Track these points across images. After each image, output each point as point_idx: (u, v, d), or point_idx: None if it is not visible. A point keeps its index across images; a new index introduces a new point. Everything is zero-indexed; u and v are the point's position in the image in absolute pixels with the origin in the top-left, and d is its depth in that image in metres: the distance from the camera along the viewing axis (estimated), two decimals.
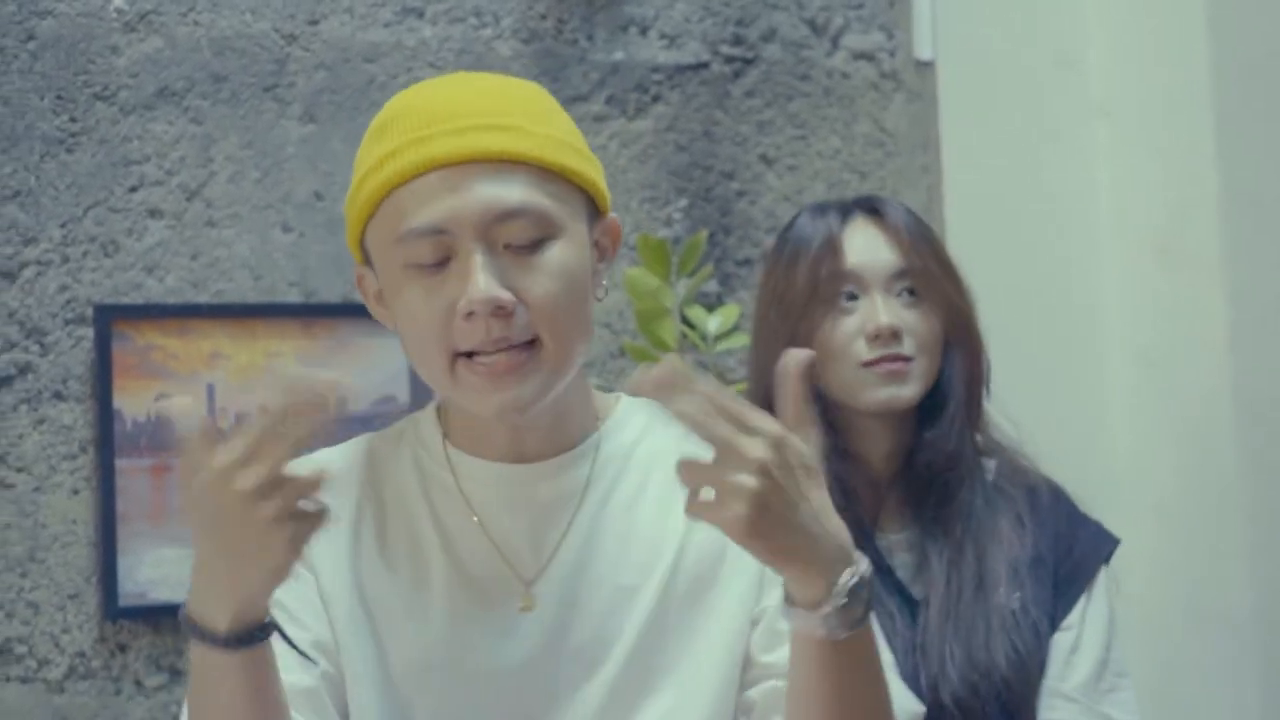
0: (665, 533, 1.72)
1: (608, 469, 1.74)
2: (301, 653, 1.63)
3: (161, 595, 2.75)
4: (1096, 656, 2.36)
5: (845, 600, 1.53)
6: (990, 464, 2.42)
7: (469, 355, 1.64)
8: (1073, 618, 2.36)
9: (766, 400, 2.35)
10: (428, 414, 1.79)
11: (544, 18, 3.05)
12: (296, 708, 1.65)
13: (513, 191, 1.64)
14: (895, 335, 2.34)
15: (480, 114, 1.66)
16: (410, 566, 1.72)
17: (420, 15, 2.99)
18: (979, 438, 2.43)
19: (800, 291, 2.37)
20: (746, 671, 1.71)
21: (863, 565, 1.54)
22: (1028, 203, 3.31)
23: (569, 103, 2.95)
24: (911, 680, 2.26)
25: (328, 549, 1.72)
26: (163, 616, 2.76)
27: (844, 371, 2.35)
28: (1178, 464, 3.20)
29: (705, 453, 1.52)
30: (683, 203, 3.10)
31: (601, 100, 3.05)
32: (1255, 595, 3.09)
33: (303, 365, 1.52)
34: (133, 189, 2.82)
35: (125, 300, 2.80)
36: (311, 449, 1.54)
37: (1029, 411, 3.17)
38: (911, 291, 2.38)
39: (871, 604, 1.55)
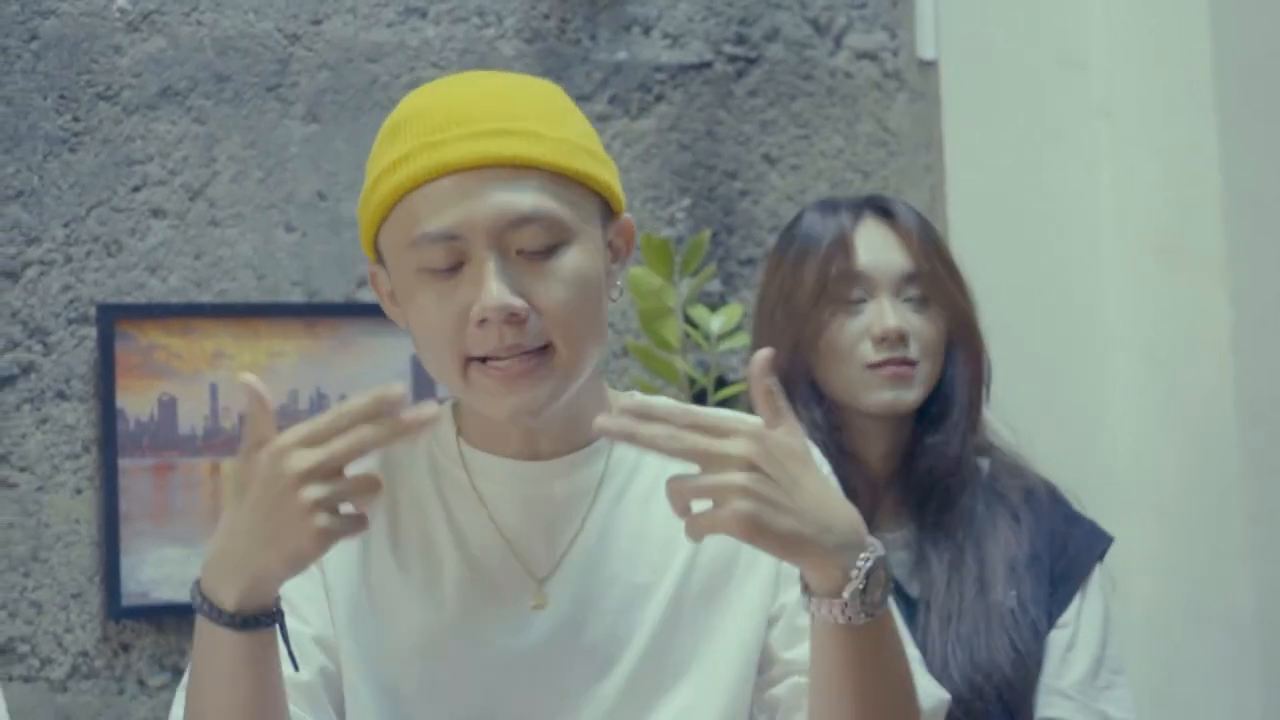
0: (679, 531, 1.72)
1: (621, 467, 1.75)
2: (290, 653, 1.62)
3: (164, 595, 2.75)
4: (1093, 654, 2.37)
5: (863, 584, 1.54)
6: (984, 462, 2.43)
7: (482, 359, 1.64)
8: (1068, 615, 2.37)
9: None
10: (443, 412, 1.79)
11: (547, 17, 3.05)
12: (293, 701, 1.66)
13: (525, 197, 1.64)
14: (902, 339, 2.35)
15: (493, 118, 1.65)
16: (422, 563, 1.73)
17: (423, 15, 2.99)
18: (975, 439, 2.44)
19: (809, 290, 2.37)
20: (769, 669, 1.71)
21: (876, 548, 1.55)
22: (1030, 202, 3.31)
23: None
24: None
25: (338, 546, 1.72)
26: (166, 616, 2.76)
27: (848, 372, 2.35)
28: (1179, 464, 3.20)
29: (692, 469, 1.53)
30: (686, 202, 3.10)
31: (604, 100, 3.05)
32: (1256, 595, 3.09)
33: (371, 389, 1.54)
34: (136, 189, 2.82)
35: (128, 300, 2.80)
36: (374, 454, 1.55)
37: (1030, 411, 3.18)
38: (919, 295, 2.38)
39: (889, 586, 1.56)
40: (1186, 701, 3.16)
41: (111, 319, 2.77)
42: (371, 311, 2.89)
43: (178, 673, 2.77)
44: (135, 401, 2.77)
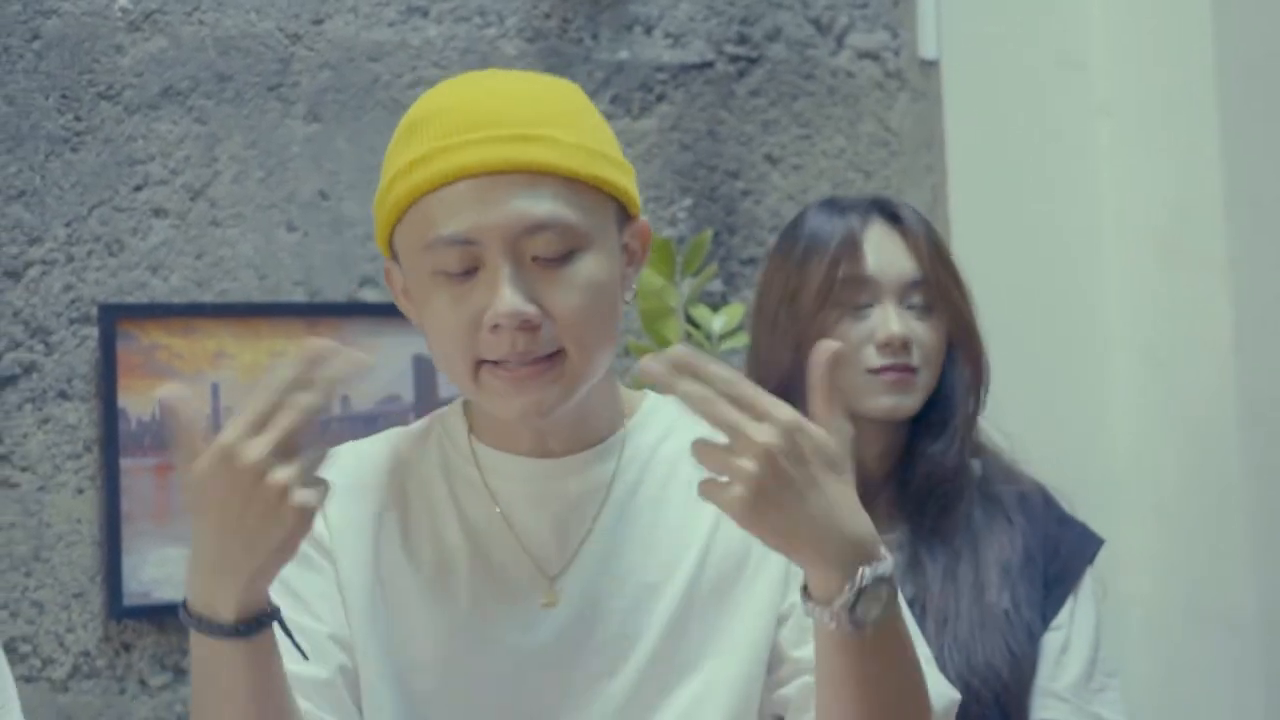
0: (690, 529, 1.72)
1: (632, 465, 1.74)
2: (300, 649, 1.62)
3: (166, 594, 2.75)
4: (1086, 656, 2.37)
5: (853, 598, 1.52)
6: (975, 464, 2.43)
7: (494, 362, 1.65)
8: (1061, 618, 2.37)
9: None
10: (454, 409, 1.79)
11: (548, 17, 3.05)
12: (312, 700, 1.66)
13: (541, 204, 1.64)
14: (905, 346, 2.35)
15: (511, 123, 1.65)
16: (434, 561, 1.73)
17: (425, 14, 2.98)
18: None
19: (814, 291, 2.36)
20: (778, 668, 1.71)
21: (882, 565, 1.53)
22: (1031, 202, 3.31)
23: None
24: None
25: (349, 542, 1.72)
26: (167, 616, 2.76)
27: (849, 376, 2.35)
28: (1179, 464, 3.20)
29: (722, 438, 1.52)
30: (687, 202, 3.10)
31: (606, 99, 3.05)
32: (1257, 596, 3.09)
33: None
34: (137, 188, 2.82)
35: (130, 299, 2.80)
36: (323, 417, 1.52)
37: (1031, 411, 3.18)
38: (923, 302, 2.38)
39: (893, 603, 1.54)
40: (1187, 702, 3.16)
41: (113, 319, 2.77)
42: (373, 311, 2.89)
43: (179, 672, 2.78)
44: (137, 401, 2.77)
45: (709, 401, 1.50)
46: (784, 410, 1.52)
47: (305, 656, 1.64)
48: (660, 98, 3.11)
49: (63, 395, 2.76)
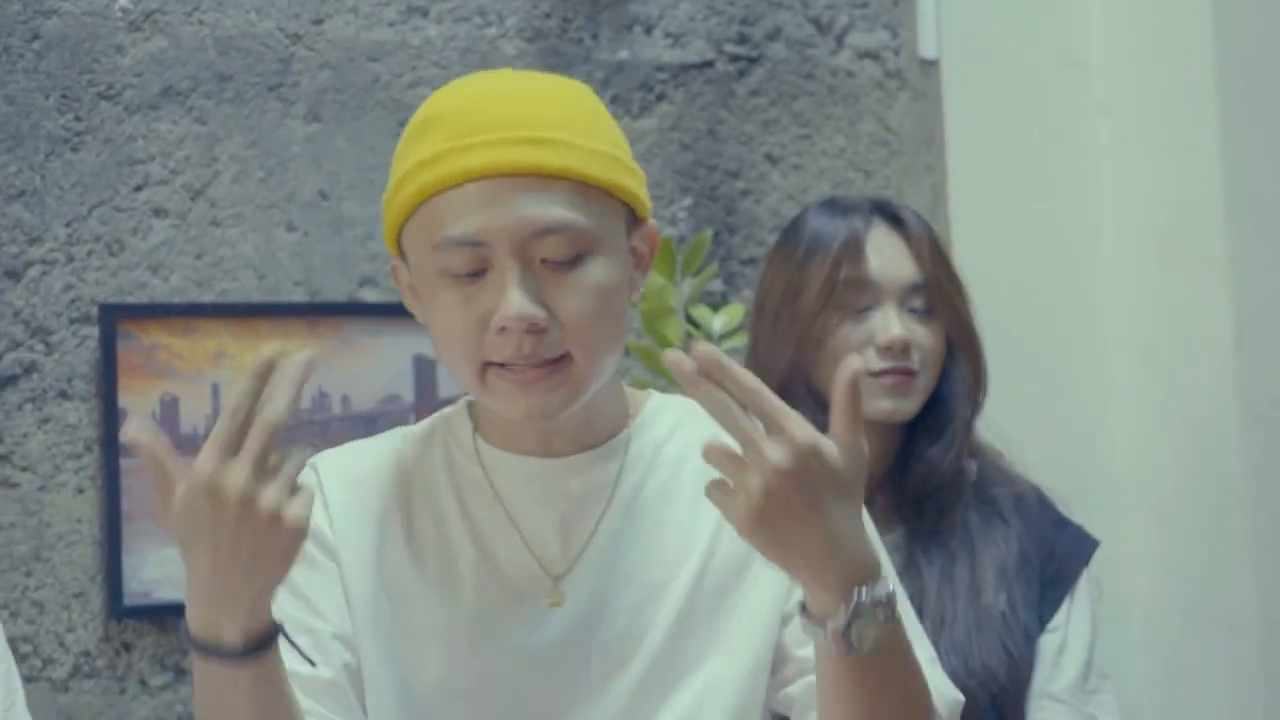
0: (695, 529, 1.72)
1: (637, 465, 1.75)
2: (301, 653, 1.62)
3: (166, 594, 2.75)
4: (1082, 658, 2.37)
5: (853, 619, 1.52)
6: (971, 466, 2.43)
7: (500, 364, 1.65)
8: (1058, 619, 2.37)
9: None
10: (459, 409, 1.79)
11: (548, 16, 3.05)
12: (317, 700, 1.66)
13: (551, 208, 1.63)
14: (905, 349, 2.35)
15: (523, 125, 1.65)
16: (439, 560, 1.73)
17: (425, 14, 2.98)
18: None
19: (816, 292, 2.36)
20: (783, 667, 1.71)
21: (880, 588, 1.53)
22: (1031, 201, 3.31)
23: None
24: None
25: (353, 541, 1.73)
26: (168, 616, 2.76)
27: None
28: (1180, 464, 3.20)
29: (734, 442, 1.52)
30: (687, 201, 3.10)
31: (606, 99, 3.05)
32: (1257, 596, 3.09)
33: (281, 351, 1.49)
34: (137, 188, 2.82)
35: (130, 299, 2.80)
36: (292, 430, 1.49)
37: (1031, 411, 3.18)
38: (924, 306, 2.38)
39: (892, 623, 1.54)
40: (1187, 702, 3.16)
41: (113, 319, 2.77)
42: (373, 311, 2.89)
43: (179, 672, 2.78)
44: (137, 401, 2.77)
45: (725, 409, 1.49)
46: (802, 430, 1.50)
47: (313, 664, 1.64)
48: (660, 97, 3.11)
49: (63, 395, 2.76)
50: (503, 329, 1.63)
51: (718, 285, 3.09)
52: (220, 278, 2.85)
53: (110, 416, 2.75)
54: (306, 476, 1.75)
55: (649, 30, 3.11)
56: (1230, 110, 3.15)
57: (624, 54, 3.09)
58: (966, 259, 3.18)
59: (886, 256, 2.38)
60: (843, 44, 3.23)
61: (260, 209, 2.88)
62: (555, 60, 3.03)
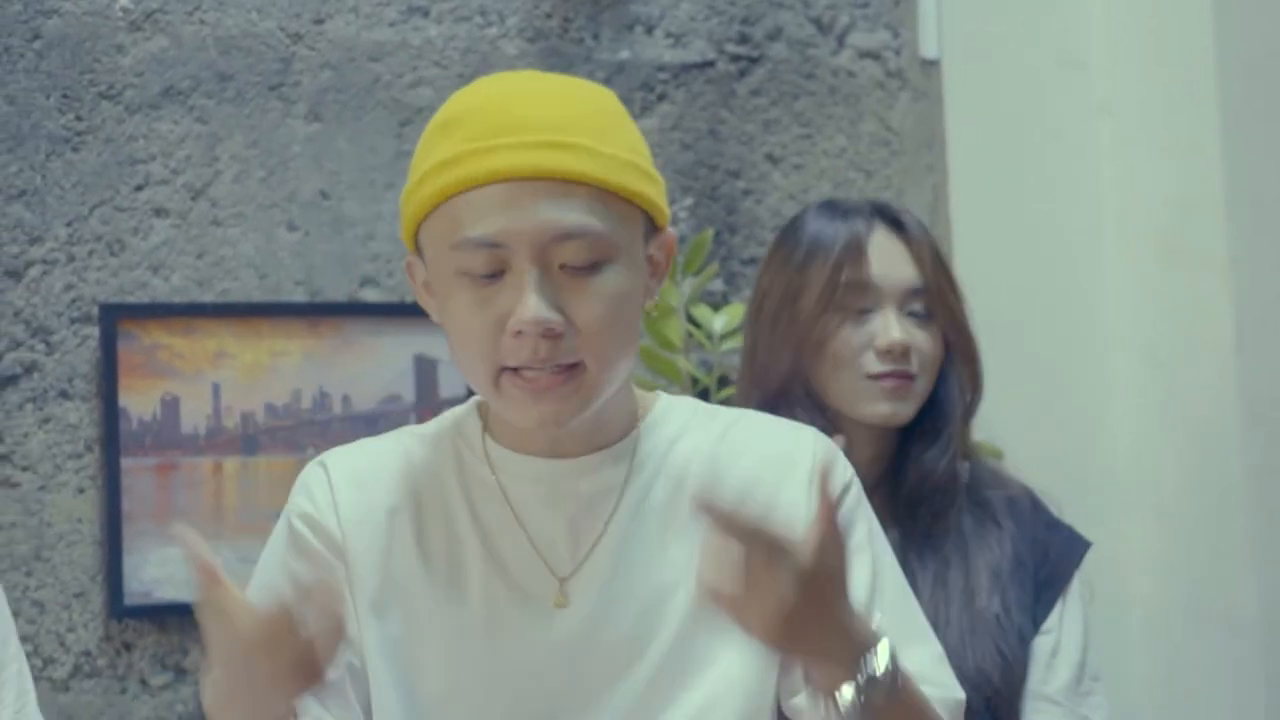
0: (702, 530, 1.72)
1: (646, 467, 1.75)
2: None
3: (167, 594, 2.75)
4: (1075, 659, 2.37)
5: (857, 695, 1.56)
6: (964, 468, 2.43)
7: (514, 369, 1.65)
8: (1051, 621, 2.38)
9: (765, 402, 2.37)
10: (468, 409, 1.79)
11: (549, 16, 3.05)
12: (319, 699, 1.66)
13: (572, 213, 1.63)
14: (905, 353, 2.35)
15: (546, 129, 1.64)
16: (446, 559, 1.73)
17: (425, 14, 2.98)
18: None
19: (816, 295, 2.36)
20: (790, 675, 1.71)
21: (865, 670, 1.57)
22: (1032, 202, 3.31)
23: None
24: None
25: (360, 541, 1.73)
26: (168, 615, 2.76)
27: (848, 380, 2.36)
28: (1180, 464, 3.20)
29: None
30: (688, 201, 3.10)
31: None
32: (1258, 596, 3.09)
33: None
34: (138, 188, 2.82)
35: (131, 299, 2.80)
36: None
37: (1031, 411, 3.18)
38: (923, 310, 2.38)
39: (886, 693, 1.57)
40: (1187, 702, 3.16)
41: (114, 318, 2.77)
42: (373, 311, 2.89)
43: (180, 672, 2.78)
44: (138, 401, 2.77)
45: (727, 548, 1.53)
46: (793, 553, 1.54)
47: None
48: (661, 97, 3.11)
49: (64, 395, 2.76)
50: (519, 332, 1.63)
51: (718, 285, 3.09)
52: (221, 277, 2.85)
53: (111, 416, 2.75)
54: (315, 473, 1.76)
55: (650, 30, 3.11)
56: (1231, 110, 3.15)
57: (625, 54, 3.09)
58: (967, 259, 3.18)
59: (887, 260, 2.38)
60: (844, 44, 3.23)
61: (261, 209, 2.88)
62: (556, 60, 3.03)
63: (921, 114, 3.26)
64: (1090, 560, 2.45)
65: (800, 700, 1.70)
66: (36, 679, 2.70)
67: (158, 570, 2.76)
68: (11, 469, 2.73)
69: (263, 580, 1.75)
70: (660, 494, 1.74)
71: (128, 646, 2.77)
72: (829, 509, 1.55)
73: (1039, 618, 2.37)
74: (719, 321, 2.92)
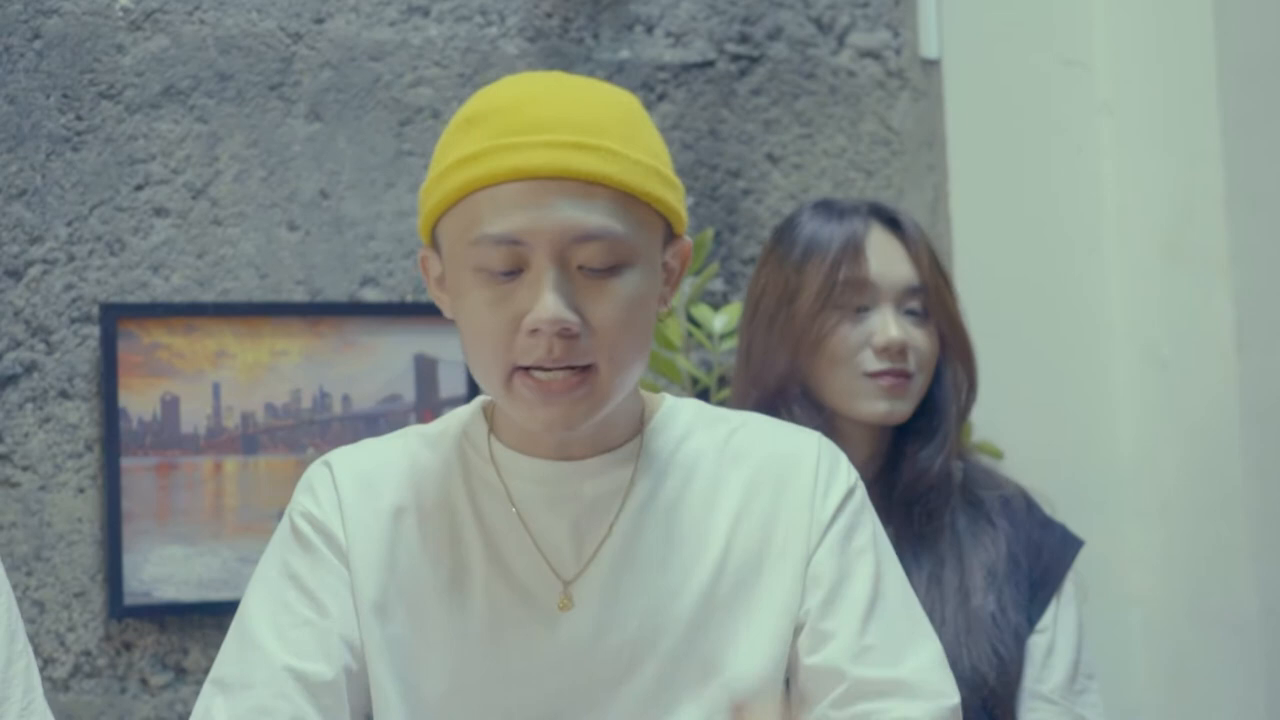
0: (708, 533, 1.73)
1: (651, 469, 1.75)
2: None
3: (167, 594, 2.75)
4: (1070, 658, 2.38)
5: None
6: (958, 467, 2.43)
7: (526, 369, 1.65)
8: (1045, 620, 2.38)
9: (762, 401, 2.37)
10: (473, 410, 1.79)
11: (549, 16, 3.05)
12: (314, 699, 1.66)
13: (593, 215, 1.63)
14: (902, 352, 2.35)
15: (571, 129, 1.64)
16: (450, 561, 1.73)
17: (426, 14, 2.98)
18: None
19: (814, 294, 2.36)
20: (794, 674, 1.72)
21: None
22: (1033, 201, 3.31)
23: None
24: None
25: (363, 543, 1.73)
26: (168, 615, 2.76)
27: (845, 379, 2.36)
28: (1183, 464, 3.20)
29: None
30: (689, 201, 3.10)
31: None
32: (1260, 596, 3.09)
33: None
34: (138, 187, 2.82)
35: (131, 299, 2.80)
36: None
37: (1033, 410, 3.18)
38: (920, 309, 2.39)
39: None
40: (1188, 702, 3.16)
41: (114, 318, 2.77)
42: (374, 310, 2.89)
43: (180, 672, 2.78)
44: (138, 400, 2.77)
45: None
46: None
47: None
48: (661, 97, 3.11)
49: (64, 394, 2.76)
50: (534, 330, 1.63)
51: (718, 285, 3.09)
52: (221, 277, 2.85)
53: (111, 416, 2.75)
54: (320, 473, 1.76)
55: (650, 30, 3.11)
56: (1232, 110, 3.15)
57: (625, 53, 3.09)
58: (968, 259, 3.19)
59: (885, 258, 2.38)
60: (844, 43, 3.23)
61: (261, 208, 2.88)
62: (556, 60, 3.03)
63: (922, 114, 3.26)
64: (1091, 560, 2.45)
65: (814, 660, 1.72)
66: None
67: (158, 570, 2.76)
68: (11, 469, 2.73)
69: (264, 579, 1.74)
70: (665, 496, 1.74)
71: (128, 646, 2.77)
72: None
73: (1033, 617, 2.37)
74: (719, 321, 2.92)
